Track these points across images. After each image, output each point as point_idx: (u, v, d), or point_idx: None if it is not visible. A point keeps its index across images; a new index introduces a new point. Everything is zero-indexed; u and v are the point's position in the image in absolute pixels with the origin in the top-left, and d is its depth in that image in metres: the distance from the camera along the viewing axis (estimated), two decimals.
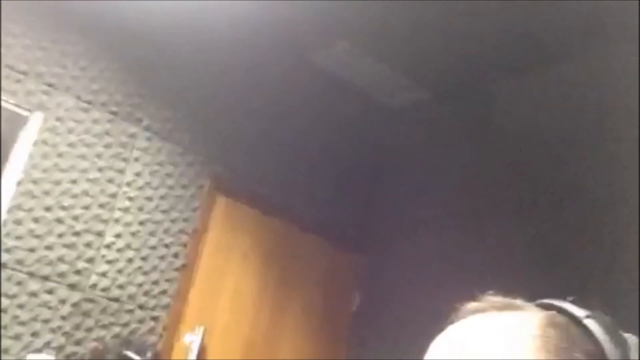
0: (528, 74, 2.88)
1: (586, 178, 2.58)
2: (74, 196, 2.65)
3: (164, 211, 2.88)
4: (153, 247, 2.81)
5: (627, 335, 0.54)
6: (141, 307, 2.72)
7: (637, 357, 0.51)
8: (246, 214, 3.12)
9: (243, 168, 3.15)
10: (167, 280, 2.81)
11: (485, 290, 0.64)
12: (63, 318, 2.51)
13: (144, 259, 2.77)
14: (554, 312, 0.57)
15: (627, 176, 2.35)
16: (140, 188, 2.83)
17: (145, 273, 2.76)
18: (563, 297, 0.58)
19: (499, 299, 0.60)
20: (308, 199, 3.31)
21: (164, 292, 2.79)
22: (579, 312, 0.56)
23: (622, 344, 0.53)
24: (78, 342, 2.52)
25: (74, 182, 2.67)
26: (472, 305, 0.60)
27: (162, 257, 2.82)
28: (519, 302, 0.60)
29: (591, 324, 0.54)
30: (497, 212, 2.86)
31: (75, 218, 2.64)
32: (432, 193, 3.19)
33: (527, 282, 2.42)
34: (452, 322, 0.60)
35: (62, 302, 2.53)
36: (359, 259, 3.39)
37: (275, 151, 3.25)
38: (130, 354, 1.57)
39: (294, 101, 3.32)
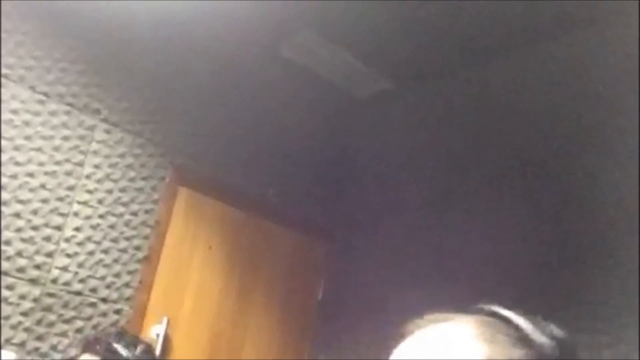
0: (496, 59, 2.90)
1: (566, 172, 2.56)
2: (32, 190, 2.60)
3: (124, 204, 2.85)
4: (114, 240, 2.78)
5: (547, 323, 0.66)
6: (104, 300, 2.69)
7: (561, 335, 0.63)
8: (209, 205, 3.12)
9: (205, 159, 3.13)
10: (129, 273, 2.79)
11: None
12: (24, 314, 2.47)
13: (105, 251, 2.74)
14: (481, 315, 0.69)
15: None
16: (99, 181, 2.80)
17: (107, 266, 2.74)
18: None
19: (435, 315, 0.71)
20: (272, 188, 3.32)
21: (126, 284, 2.77)
22: (505, 312, 0.68)
23: (543, 327, 0.64)
24: (40, 338, 2.48)
25: (31, 175, 2.62)
26: (416, 322, 0.71)
27: (123, 250, 2.80)
28: (450, 314, 0.71)
29: (512, 316, 0.66)
30: (468, 199, 2.88)
31: (34, 212, 2.59)
32: (400, 180, 3.23)
33: (505, 268, 2.41)
34: (403, 338, 0.69)
35: (23, 297, 2.48)
36: (325, 246, 3.43)
37: (238, 141, 3.25)
38: (119, 347, 1.55)
39: (257, 91, 3.31)
